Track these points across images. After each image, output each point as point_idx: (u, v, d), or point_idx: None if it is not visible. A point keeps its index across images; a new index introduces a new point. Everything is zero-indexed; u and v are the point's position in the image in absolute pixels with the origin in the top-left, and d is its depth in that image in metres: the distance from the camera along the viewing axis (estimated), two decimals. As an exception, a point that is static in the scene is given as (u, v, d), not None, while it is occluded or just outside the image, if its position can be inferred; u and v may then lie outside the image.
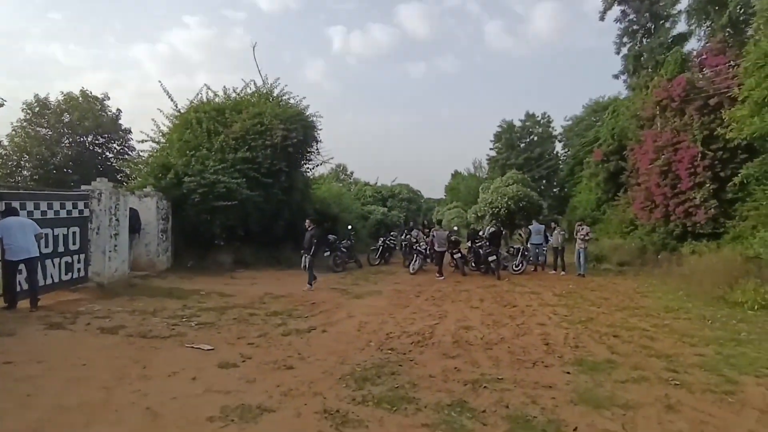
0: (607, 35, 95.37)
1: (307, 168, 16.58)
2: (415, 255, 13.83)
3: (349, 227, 15.79)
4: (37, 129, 18.29)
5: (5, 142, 17.84)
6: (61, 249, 8.30)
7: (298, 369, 4.76)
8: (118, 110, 19.69)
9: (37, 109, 18.39)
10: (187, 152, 12.61)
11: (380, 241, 16.37)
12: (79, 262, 8.73)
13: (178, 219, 11.88)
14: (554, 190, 41.46)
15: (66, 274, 8.42)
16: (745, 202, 13.95)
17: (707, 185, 14.39)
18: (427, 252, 14.25)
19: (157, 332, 6.07)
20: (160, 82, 13.43)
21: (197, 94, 14.90)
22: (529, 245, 14.55)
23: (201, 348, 5.39)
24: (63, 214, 8.37)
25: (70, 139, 18.51)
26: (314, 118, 14.95)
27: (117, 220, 9.46)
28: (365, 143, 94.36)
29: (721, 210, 14.27)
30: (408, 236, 17.12)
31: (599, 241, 18.70)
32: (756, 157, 13.95)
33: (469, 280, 12.47)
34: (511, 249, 14.87)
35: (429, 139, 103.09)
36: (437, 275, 12.88)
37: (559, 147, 45.03)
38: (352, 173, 44.58)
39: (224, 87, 15.68)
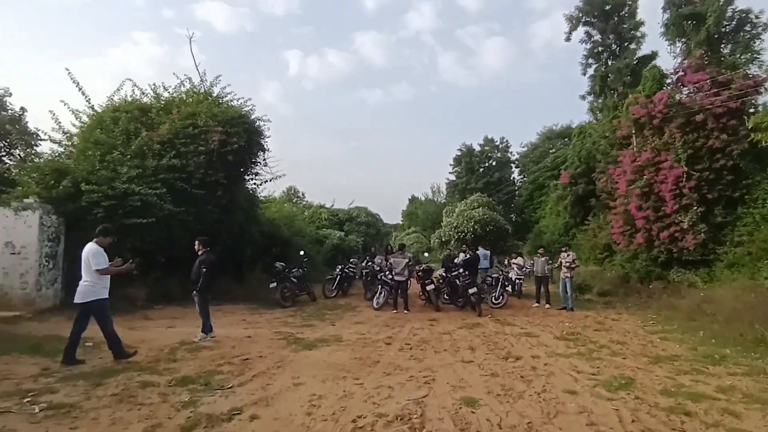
0: (555, 68, 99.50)
1: (253, 183, 14.12)
2: (379, 287, 11.61)
3: (302, 253, 13.37)
4: None
5: None
6: None
7: None
8: (22, 109, 16.46)
9: None
10: (94, 155, 9.92)
11: (338, 270, 14.04)
12: None
13: (73, 241, 9.08)
14: (512, 215, 40.75)
15: None
16: (734, 226, 12.93)
17: (695, 208, 13.27)
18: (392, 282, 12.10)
19: (-44, 432, 3.50)
20: (66, 69, 10.65)
21: (117, 89, 12.25)
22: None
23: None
24: None
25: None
26: (260, 123, 12.63)
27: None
28: (321, 168, 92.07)
29: (710, 235, 13.15)
30: (370, 264, 14.93)
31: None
32: (742, 178, 13.10)
33: (445, 316, 10.36)
34: (489, 279, 12.99)
35: (386, 164, 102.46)
36: (404, 310, 10.74)
37: (516, 173, 44.91)
38: (304, 195, 42.02)
39: (152, 84, 13.14)
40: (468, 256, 13.49)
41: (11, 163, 12.53)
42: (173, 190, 10.35)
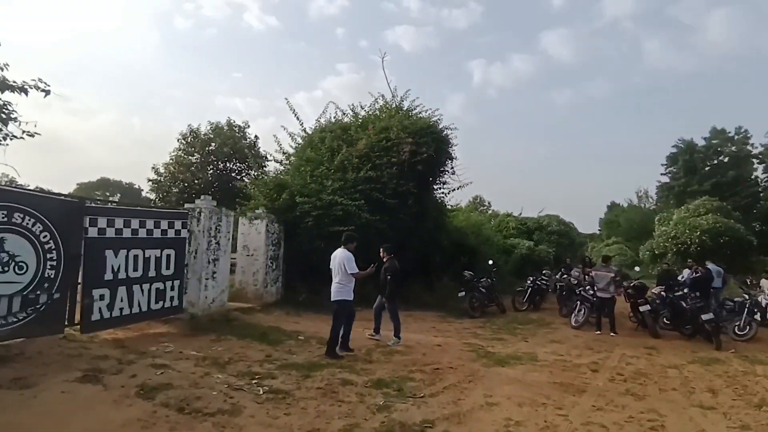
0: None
1: (441, 192, 14.29)
2: (578, 303, 10.32)
3: (490, 263, 12.86)
4: (188, 157, 19.74)
5: (161, 170, 19.61)
6: (152, 273, 7.22)
7: None
8: (256, 137, 20.50)
9: (189, 138, 19.97)
10: (305, 171, 11.36)
11: (529, 281, 13.08)
12: (172, 289, 7.60)
13: (290, 245, 10.52)
14: (755, 223, 32.24)
15: (157, 302, 7.30)
16: None
17: None
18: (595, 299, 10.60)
19: (204, 402, 4.17)
20: (286, 99, 12.39)
21: (323, 112, 13.87)
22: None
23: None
24: (157, 234, 7.34)
25: (212, 166, 19.52)
26: (448, 132, 12.71)
27: (217, 243, 8.27)
28: (507, 176, 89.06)
29: None
30: (565, 277, 13.55)
31: None
32: None
33: (666, 345, 8.54)
34: (729, 303, 10.33)
35: (578, 169, 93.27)
36: (610, 332, 9.27)
37: (759, 170, 35.61)
38: (490, 204, 41.09)
39: (351, 105, 14.47)
40: (698, 273, 11.01)
41: (248, 181, 15.31)
42: (369, 200, 11.11)
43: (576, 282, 12.03)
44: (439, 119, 12.73)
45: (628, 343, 8.55)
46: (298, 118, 13.72)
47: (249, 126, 20.69)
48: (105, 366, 4.93)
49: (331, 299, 6.54)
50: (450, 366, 6.02)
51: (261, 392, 4.58)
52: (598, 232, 54.29)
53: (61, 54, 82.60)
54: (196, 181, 18.35)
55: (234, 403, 4.24)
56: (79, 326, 6.17)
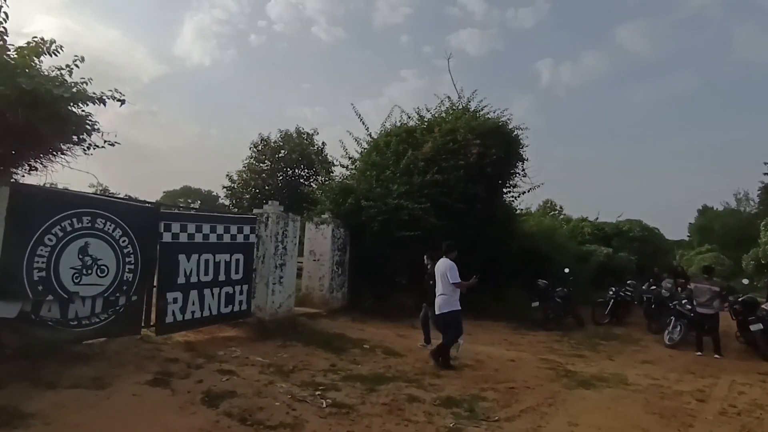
0: None
1: (510, 196, 13.56)
2: (672, 318, 9.21)
3: (567, 271, 11.94)
4: (259, 164, 20.52)
5: (235, 177, 20.55)
6: (222, 278, 7.36)
7: None
8: (323, 143, 20.89)
9: (260, 146, 20.77)
10: (371, 176, 11.22)
11: (611, 292, 11.97)
12: (241, 293, 7.71)
13: (356, 251, 10.39)
14: None
15: (226, 306, 7.42)
16: None
17: None
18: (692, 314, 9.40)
19: (267, 414, 4.03)
20: (352, 105, 12.36)
21: (388, 116, 13.68)
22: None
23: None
24: (226, 238, 7.48)
25: (282, 173, 20.10)
26: (518, 132, 12.02)
27: (284, 247, 8.30)
28: (579, 179, 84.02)
29: None
30: (654, 288, 12.27)
31: None
32: None
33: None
34: None
35: (661, 170, 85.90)
36: (714, 354, 8.13)
37: None
38: (561, 208, 38.75)
39: (416, 108, 14.18)
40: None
41: (315, 186, 15.51)
42: (436, 204, 10.73)
43: (668, 294, 10.82)
44: (508, 119, 12.09)
45: (736, 367, 7.43)
46: (363, 123, 13.65)
47: (317, 133, 21.28)
48: (174, 369, 4.98)
49: (437, 312, 6.38)
50: (526, 385, 5.49)
51: (324, 405, 4.38)
52: (687, 239, 49.54)
53: (150, 72, 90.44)
54: (266, 188, 18.99)
55: (296, 416, 4.06)
56: (154, 328, 6.40)
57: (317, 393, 4.68)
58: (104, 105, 4.98)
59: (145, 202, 6.40)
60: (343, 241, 10.20)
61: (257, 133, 21.13)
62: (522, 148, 12.13)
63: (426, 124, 13.47)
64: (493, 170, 11.19)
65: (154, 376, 4.69)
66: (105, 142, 5.59)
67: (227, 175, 20.70)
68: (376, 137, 13.65)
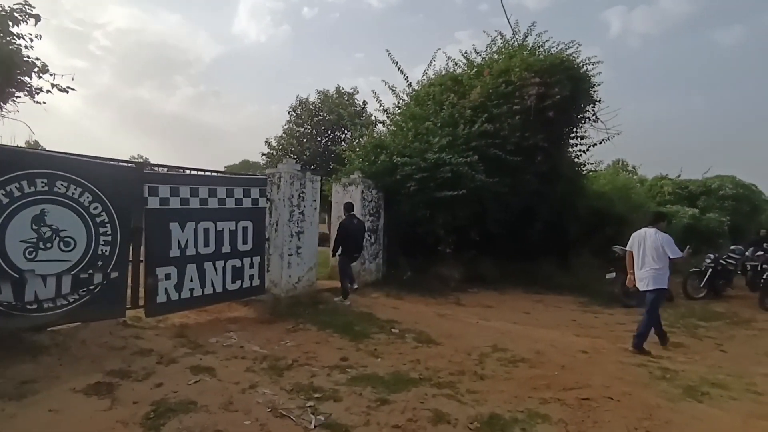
0: None
1: (578, 148, 11.44)
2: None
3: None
4: (297, 128, 19.39)
5: (273, 143, 19.62)
6: (226, 249, 6.26)
7: None
8: (364, 102, 19.32)
9: (299, 110, 19.58)
10: (407, 128, 9.64)
11: (708, 260, 9.78)
12: (251, 267, 6.60)
13: (392, 216, 8.99)
14: None
15: (234, 282, 6.36)
16: None
17: None
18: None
19: (226, 442, 2.84)
20: (387, 50, 10.66)
21: (430, 63, 11.85)
22: None
23: None
24: (230, 203, 6.33)
25: (321, 136, 18.87)
26: (589, 67, 9.83)
27: (302, 213, 7.08)
28: (654, 136, 75.72)
29: None
30: (763, 254, 9.92)
31: None
32: None
33: None
34: None
35: (756, 119, 75.68)
36: None
37: None
38: (635, 168, 34.56)
39: (463, 51, 12.21)
40: None
41: (345, 145, 14.12)
42: (485, 158, 9.02)
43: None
44: (576, 52, 9.89)
45: None
46: (402, 72, 11.94)
47: (357, 92, 19.71)
48: (137, 367, 3.92)
49: (643, 288, 5.59)
50: (607, 394, 3.89)
51: (312, 425, 3.12)
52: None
53: (211, 53, 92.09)
54: (306, 153, 17.88)
55: (265, 447, 2.83)
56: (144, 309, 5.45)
57: (308, 405, 3.42)
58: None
59: (122, 161, 5.35)
60: (375, 205, 8.82)
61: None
62: (593, 87, 9.95)
63: (475, 69, 11.57)
64: (557, 115, 9.19)
65: (104, 377, 3.64)
66: (54, 86, 4.51)
67: (266, 141, 19.85)
68: (417, 88, 11.97)
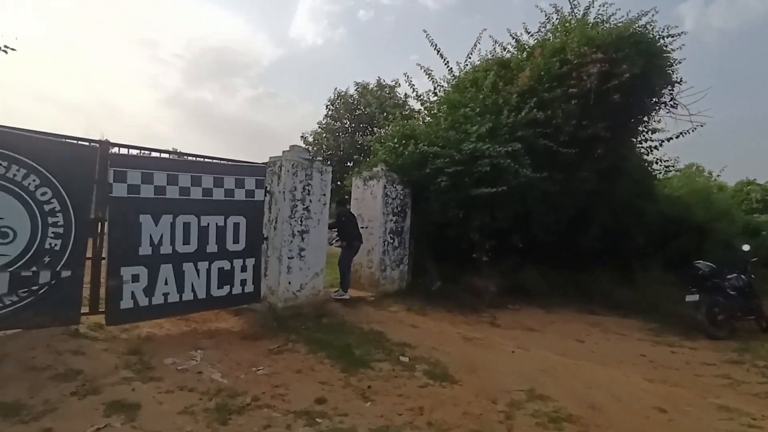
0: None
1: (647, 144, 9.61)
2: None
3: (746, 248, 7.76)
4: (335, 123, 18.52)
5: (310, 138, 18.83)
6: (212, 248, 5.31)
7: None
8: (406, 95, 18.12)
9: (336, 104, 18.71)
10: (441, 114, 8.37)
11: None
12: (243, 270, 5.62)
13: (420, 216, 7.75)
14: None
15: (220, 287, 5.39)
16: None
17: None
18: None
19: None
20: (424, 30, 9.39)
21: (474, 46, 10.44)
22: None
23: None
24: (218, 194, 5.39)
25: (361, 131, 17.85)
26: (665, 40, 8.09)
27: (307, 209, 6.02)
28: (735, 140, 68.33)
29: None
30: None
31: None
32: None
33: None
34: None
35: None
36: None
37: None
38: (711, 174, 30.67)
39: (513, 32, 10.70)
40: None
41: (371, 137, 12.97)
42: (533, 150, 7.59)
43: None
44: (650, 23, 8.17)
45: None
46: (442, 56, 10.61)
47: (399, 85, 18.55)
48: (38, 400, 2.97)
49: None
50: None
51: None
52: None
53: (270, 56, 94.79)
54: (340, 150, 16.94)
55: None
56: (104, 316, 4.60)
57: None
58: None
59: (82, 139, 4.53)
60: (400, 203, 7.62)
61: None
62: (671, 65, 8.20)
63: (526, 52, 10.07)
64: (623, 97, 7.55)
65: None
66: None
67: (302, 136, 19.09)
68: (459, 74, 10.62)
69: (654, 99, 8.33)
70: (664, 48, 8.01)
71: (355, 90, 18.79)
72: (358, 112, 18.17)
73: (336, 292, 6.57)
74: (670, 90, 8.35)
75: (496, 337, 5.64)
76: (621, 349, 5.62)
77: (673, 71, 8.23)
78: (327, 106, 19.06)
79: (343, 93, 18.81)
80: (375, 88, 18.47)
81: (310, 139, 18.91)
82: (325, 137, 18.24)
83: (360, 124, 18.11)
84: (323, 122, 19.06)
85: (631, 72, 7.31)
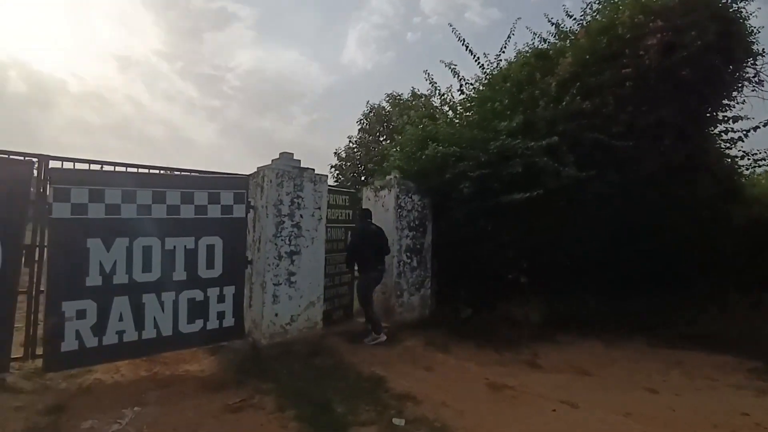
0: None
1: (728, 133, 7.84)
2: None
3: None
4: (368, 137, 17.71)
5: (343, 154, 18.12)
6: (179, 276, 4.50)
7: None
8: (431, 98, 17.04)
9: (370, 117, 17.93)
10: (463, 113, 7.21)
11: None
12: (221, 301, 4.75)
13: (442, 231, 6.57)
14: None
15: (191, 321, 4.55)
16: None
17: None
18: None
19: None
20: (450, 24, 8.32)
21: (508, 37, 9.20)
22: None
23: None
24: (186, 212, 4.59)
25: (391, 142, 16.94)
26: (744, 6, 6.50)
27: (296, 226, 5.09)
28: None
29: None
30: None
31: None
32: None
33: None
34: None
35: None
36: None
37: None
38: None
39: (552, 19, 9.32)
40: None
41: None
42: (578, 146, 6.23)
43: None
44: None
45: None
46: (471, 52, 9.47)
47: (434, 95, 17.48)
48: None
49: None
50: None
51: None
52: None
53: (323, 83, 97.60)
54: (359, 165, 16.07)
55: None
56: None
57: None
58: None
59: (14, 153, 3.87)
60: (418, 215, 6.50)
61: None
62: (751, 33, 6.56)
63: (569, 40, 8.71)
64: (694, 76, 6.03)
65: None
66: None
67: (335, 152, 18.44)
68: (491, 70, 9.40)
69: (733, 77, 6.67)
70: (742, 16, 6.40)
71: (387, 101, 17.99)
72: (391, 125, 17.32)
73: (369, 337, 5.47)
74: (752, 63, 6.68)
75: (535, 385, 4.32)
76: (711, 403, 4.08)
77: (755, 40, 6.58)
78: (360, 120, 18.42)
79: (375, 106, 18.11)
80: (410, 98, 17.58)
81: (343, 155, 18.26)
82: (357, 152, 17.50)
83: (393, 135, 17.25)
84: (356, 137, 18.38)
85: (703, 40, 5.80)
